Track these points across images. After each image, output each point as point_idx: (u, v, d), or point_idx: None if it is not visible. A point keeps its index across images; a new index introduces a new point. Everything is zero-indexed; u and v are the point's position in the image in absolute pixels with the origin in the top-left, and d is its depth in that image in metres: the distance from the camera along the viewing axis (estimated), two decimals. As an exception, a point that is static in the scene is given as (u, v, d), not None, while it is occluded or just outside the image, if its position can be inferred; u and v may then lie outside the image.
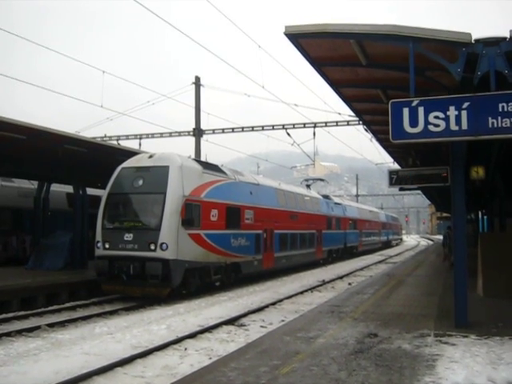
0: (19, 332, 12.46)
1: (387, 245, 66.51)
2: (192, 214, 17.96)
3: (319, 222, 34.29)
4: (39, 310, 15.45)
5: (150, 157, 18.60)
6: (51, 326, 13.31)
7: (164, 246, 16.79)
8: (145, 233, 17.22)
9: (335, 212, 39.20)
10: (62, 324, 13.64)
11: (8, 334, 12.17)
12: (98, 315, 14.91)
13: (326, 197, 39.41)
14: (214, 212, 19.64)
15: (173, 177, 17.63)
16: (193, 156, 21.20)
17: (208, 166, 20.71)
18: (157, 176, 17.81)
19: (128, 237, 17.18)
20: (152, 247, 16.84)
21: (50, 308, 15.88)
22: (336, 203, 40.92)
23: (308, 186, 38.49)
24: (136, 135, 34.53)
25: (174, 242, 17.01)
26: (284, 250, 27.16)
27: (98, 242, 17.80)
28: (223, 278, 20.69)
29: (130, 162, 18.68)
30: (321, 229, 34.30)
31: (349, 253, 42.77)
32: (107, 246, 17.51)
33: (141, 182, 17.91)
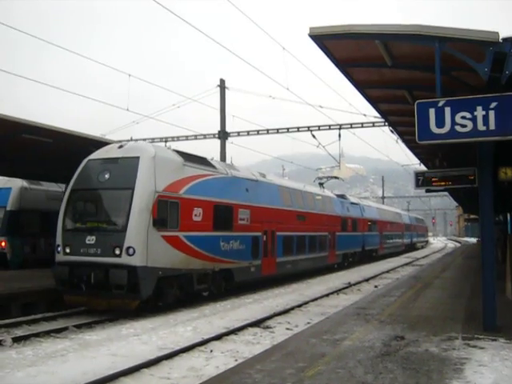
0: (47, 333, 12.65)
1: (411, 247, 65.27)
2: (167, 212, 15.60)
3: (332, 224, 31.73)
4: (67, 312, 15.62)
5: (120, 147, 16.29)
6: (78, 327, 13.50)
7: (131, 250, 14.46)
8: (109, 235, 14.92)
9: (351, 212, 36.59)
10: (89, 325, 13.82)
11: (36, 335, 12.38)
12: (125, 317, 15.01)
13: (341, 196, 36.78)
14: (198, 211, 17.14)
15: (143, 169, 15.30)
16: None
17: (191, 159, 17.94)
18: (125, 169, 15.54)
19: (90, 240, 14.97)
20: (117, 252, 14.53)
21: (77, 309, 16.02)
22: (352, 203, 38.18)
23: (321, 185, 35.14)
24: (161, 138, 34.77)
25: (142, 245, 14.62)
26: (289, 254, 24.45)
27: (58, 245, 15.65)
28: (211, 287, 18.24)
29: (97, 154, 16.42)
30: (334, 231, 31.75)
31: (368, 256, 40.36)
32: (68, 250, 15.34)
33: (107, 176, 15.65)
